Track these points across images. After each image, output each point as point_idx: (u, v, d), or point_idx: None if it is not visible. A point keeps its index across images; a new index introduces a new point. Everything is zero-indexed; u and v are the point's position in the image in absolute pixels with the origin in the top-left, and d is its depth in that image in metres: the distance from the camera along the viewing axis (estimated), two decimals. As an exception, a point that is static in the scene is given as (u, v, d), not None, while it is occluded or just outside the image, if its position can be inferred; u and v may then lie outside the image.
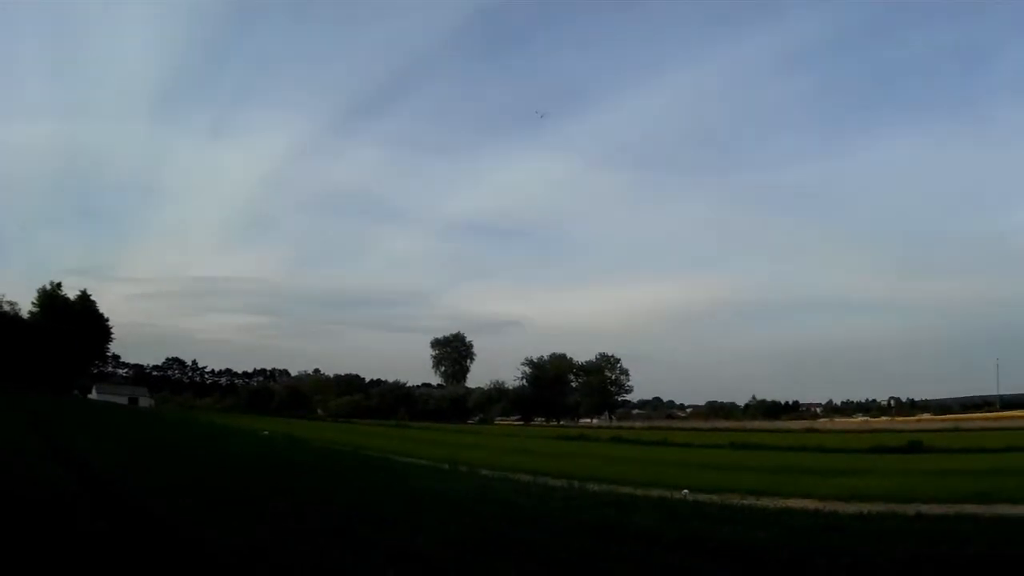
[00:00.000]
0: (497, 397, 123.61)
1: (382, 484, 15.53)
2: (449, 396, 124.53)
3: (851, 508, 13.37)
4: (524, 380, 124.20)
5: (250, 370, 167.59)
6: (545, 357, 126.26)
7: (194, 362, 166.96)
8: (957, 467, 23.26)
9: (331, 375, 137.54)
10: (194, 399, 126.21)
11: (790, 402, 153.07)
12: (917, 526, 10.49)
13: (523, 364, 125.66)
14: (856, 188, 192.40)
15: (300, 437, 38.15)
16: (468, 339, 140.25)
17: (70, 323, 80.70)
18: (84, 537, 7.41)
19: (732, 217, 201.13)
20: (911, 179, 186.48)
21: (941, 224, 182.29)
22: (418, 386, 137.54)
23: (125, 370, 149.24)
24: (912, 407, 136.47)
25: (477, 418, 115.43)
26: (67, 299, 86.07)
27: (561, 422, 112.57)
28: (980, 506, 13.30)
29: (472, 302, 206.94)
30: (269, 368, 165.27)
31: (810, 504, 14.44)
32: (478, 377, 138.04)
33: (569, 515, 11.00)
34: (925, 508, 12.96)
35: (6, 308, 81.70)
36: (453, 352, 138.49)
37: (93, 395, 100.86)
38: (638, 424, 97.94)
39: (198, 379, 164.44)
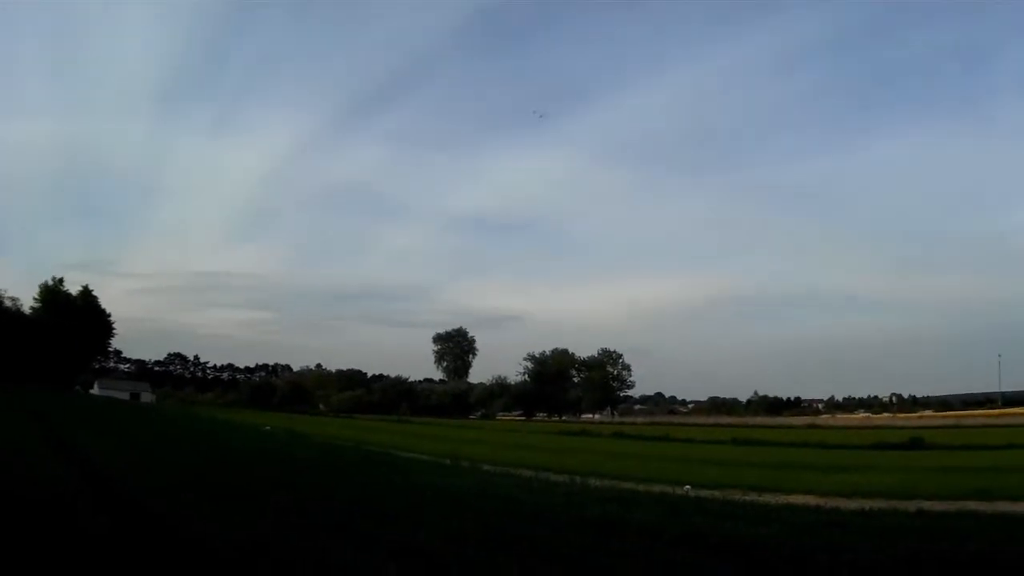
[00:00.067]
0: (499, 392, 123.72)
1: (384, 479, 15.54)
2: (451, 391, 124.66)
3: (853, 504, 13.39)
4: (526, 375, 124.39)
5: (252, 365, 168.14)
6: (547, 352, 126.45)
7: (196, 357, 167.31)
8: (958, 464, 23.27)
9: (333, 370, 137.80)
10: (196, 394, 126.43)
11: (792, 398, 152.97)
12: (918, 523, 10.49)
13: (525, 359, 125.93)
14: (857, 186, 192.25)
15: (302, 432, 38.20)
16: (470, 334, 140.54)
17: (72, 318, 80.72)
18: (86, 533, 7.42)
19: (734, 214, 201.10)
20: (912, 178, 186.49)
21: (942, 223, 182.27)
22: (420, 381, 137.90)
23: (127, 365, 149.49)
24: (914, 404, 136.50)
25: (479, 413, 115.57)
26: (69, 294, 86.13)
27: (563, 417, 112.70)
28: (981, 503, 13.31)
29: (474, 297, 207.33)
30: (271, 363, 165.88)
31: (812, 500, 14.44)
32: (480, 372, 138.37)
33: (571, 511, 11.00)
34: (926, 505, 12.96)
35: (8, 303, 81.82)
36: (455, 347, 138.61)
37: (95, 390, 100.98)
38: (640, 420, 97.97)
39: (200, 374, 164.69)
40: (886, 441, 34.00)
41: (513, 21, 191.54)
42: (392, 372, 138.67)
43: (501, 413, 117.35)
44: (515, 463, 22.76)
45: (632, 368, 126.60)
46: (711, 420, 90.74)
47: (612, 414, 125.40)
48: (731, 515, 10.98)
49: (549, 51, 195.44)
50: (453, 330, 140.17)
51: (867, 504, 13.29)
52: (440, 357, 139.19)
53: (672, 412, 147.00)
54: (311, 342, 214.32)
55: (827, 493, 15.73)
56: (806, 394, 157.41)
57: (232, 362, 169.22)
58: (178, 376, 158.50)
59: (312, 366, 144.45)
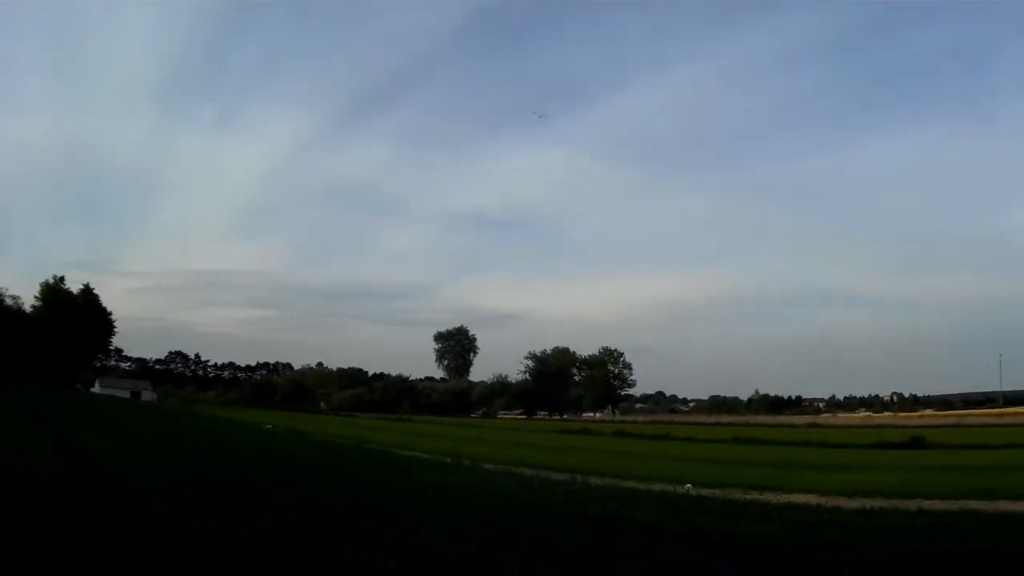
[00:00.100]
0: (500, 391, 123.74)
1: (385, 478, 15.55)
2: (452, 390, 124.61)
3: (854, 503, 13.38)
4: (527, 374, 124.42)
5: (253, 364, 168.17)
6: (548, 351, 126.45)
7: (197, 356, 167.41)
8: (959, 463, 23.25)
9: (334, 369, 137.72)
10: (197, 393, 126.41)
11: (793, 397, 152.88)
12: (919, 522, 10.48)
13: (526, 358, 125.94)
14: (858, 186, 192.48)
15: (303, 431, 38.24)
16: (471, 333, 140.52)
17: (73, 317, 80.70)
18: (87, 532, 7.43)
19: (734, 213, 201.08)
20: (912, 178, 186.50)
21: (943, 222, 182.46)
22: (421, 380, 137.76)
23: (128, 364, 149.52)
24: (915, 403, 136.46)
25: (480, 412, 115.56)
26: (70, 293, 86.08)
27: (564, 416, 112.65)
28: (982, 502, 13.29)
29: (475, 296, 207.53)
30: (272, 362, 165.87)
31: (813, 499, 14.43)
32: (481, 371, 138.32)
33: (572, 509, 11.00)
34: (927, 504, 12.96)
35: (9, 302, 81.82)
36: (456, 346, 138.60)
37: (96, 389, 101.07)
38: (641, 418, 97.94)
39: (201, 373, 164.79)
40: (887, 440, 33.97)
41: (513, 21, 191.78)
42: (393, 371, 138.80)
43: (502, 411, 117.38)
44: (516, 461, 22.77)
45: (633, 367, 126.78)
46: (712, 419, 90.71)
47: (613, 412, 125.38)
48: (732, 514, 10.98)
49: (549, 50, 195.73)
50: (454, 328, 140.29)
51: (868, 503, 13.29)
52: (441, 356, 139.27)
53: (673, 411, 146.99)
54: (312, 340, 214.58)
55: (828, 492, 15.72)
56: (807, 393, 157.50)
57: (233, 360, 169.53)
58: (179, 374, 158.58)
59: (313, 364, 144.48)
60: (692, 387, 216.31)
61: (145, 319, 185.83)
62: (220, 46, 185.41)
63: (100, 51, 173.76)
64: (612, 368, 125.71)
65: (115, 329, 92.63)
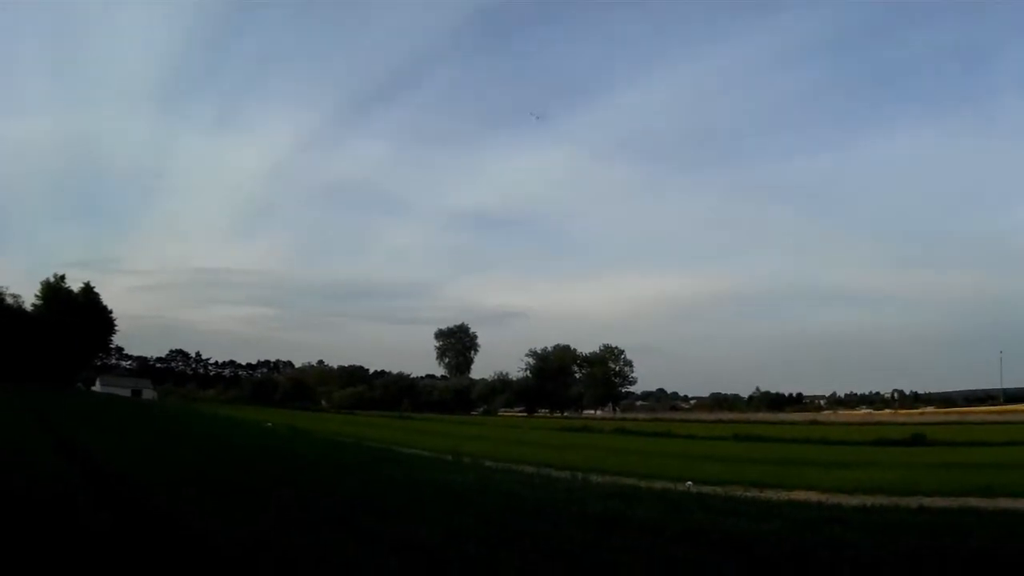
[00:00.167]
0: (501, 388, 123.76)
1: (385, 475, 15.55)
2: (453, 387, 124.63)
3: (854, 501, 13.37)
4: (528, 371, 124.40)
5: (254, 362, 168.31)
6: (549, 348, 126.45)
7: (198, 354, 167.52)
8: (960, 460, 23.23)
9: (335, 367, 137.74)
10: (198, 391, 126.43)
11: (794, 394, 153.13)
12: (920, 519, 10.47)
13: (527, 355, 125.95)
14: (859, 185, 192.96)
15: (304, 429, 38.25)
16: (472, 330, 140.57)
17: (73, 316, 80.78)
18: (88, 530, 7.43)
19: (735, 212, 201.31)
20: (913, 177, 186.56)
21: (943, 221, 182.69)
22: (422, 377, 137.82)
23: (129, 362, 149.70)
24: (915, 400, 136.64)
25: (481, 409, 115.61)
26: (71, 291, 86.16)
27: (565, 413, 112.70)
28: (983, 500, 13.28)
29: (476, 294, 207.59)
30: (273, 360, 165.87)
31: (813, 496, 14.43)
32: (482, 368, 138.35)
33: (572, 506, 11.00)
34: (928, 501, 12.94)
35: (9, 301, 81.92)
36: (457, 343, 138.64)
37: (97, 387, 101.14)
38: (642, 416, 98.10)
39: (202, 371, 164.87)
40: (888, 437, 33.97)
41: (513, 20, 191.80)
42: (394, 368, 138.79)
43: (503, 409, 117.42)
44: (517, 459, 22.76)
45: (634, 364, 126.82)
46: (713, 416, 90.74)
47: (614, 410, 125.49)
48: (733, 511, 10.97)
49: (550, 49, 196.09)
50: (455, 326, 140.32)
51: (869, 500, 13.27)
52: (442, 353, 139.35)
53: (674, 408, 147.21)
54: (313, 338, 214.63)
55: (829, 489, 15.70)
56: (808, 390, 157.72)
57: (234, 358, 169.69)
58: (180, 373, 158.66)
59: (314, 362, 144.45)
60: (693, 384, 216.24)
61: (146, 317, 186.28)
62: (220, 45, 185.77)
63: (100, 50, 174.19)
64: (613, 366, 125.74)
65: (116, 327, 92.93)
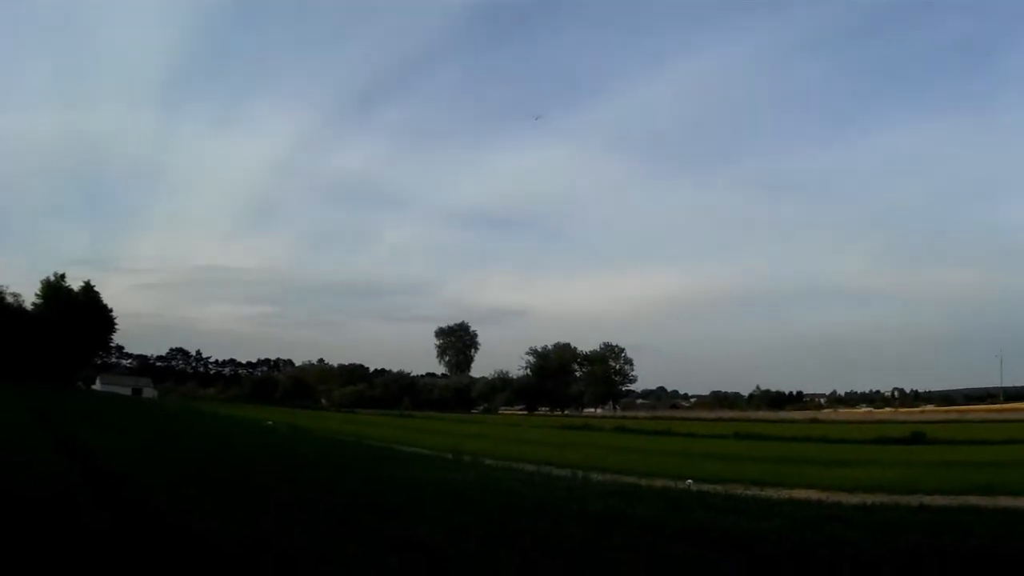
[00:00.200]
0: (501, 387, 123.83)
1: (386, 474, 15.55)
2: (453, 386, 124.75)
3: (854, 499, 13.37)
4: (528, 370, 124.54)
5: (254, 360, 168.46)
6: (549, 346, 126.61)
7: (198, 352, 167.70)
8: (960, 459, 23.25)
9: (335, 365, 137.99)
10: (198, 389, 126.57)
11: (794, 392, 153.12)
12: (920, 517, 10.46)
13: (527, 354, 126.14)
14: (861, 182, 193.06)
15: (304, 427, 38.28)
16: (472, 329, 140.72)
17: (74, 314, 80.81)
18: (87, 529, 7.43)
19: (736, 209, 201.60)
20: (915, 174, 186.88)
21: (945, 219, 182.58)
22: (422, 376, 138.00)
23: (129, 361, 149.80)
24: (916, 398, 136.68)
25: (481, 408, 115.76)
26: (71, 290, 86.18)
27: (565, 412, 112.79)
28: (983, 498, 13.27)
29: (476, 292, 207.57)
30: (273, 358, 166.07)
31: (813, 495, 14.43)
32: (482, 367, 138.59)
33: (572, 505, 10.99)
34: (928, 499, 12.94)
35: (9, 300, 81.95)
36: (457, 342, 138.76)
37: (97, 386, 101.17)
38: (642, 414, 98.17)
39: (202, 369, 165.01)
40: (888, 436, 34.02)
41: (513, 18, 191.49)
42: (394, 367, 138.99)
43: (503, 407, 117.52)
44: (517, 457, 22.75)
45: (634, 362, 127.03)
46: (713, 414, 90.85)
47: (614, 408, 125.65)
48: (733, 509, 10.97)
49: (550, 47, 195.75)
50: (455, 324, 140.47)
51: (869, 499, 13.28)
52: (442, 352, 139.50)
53: (674, 406, 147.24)
54: (313, 337, 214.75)
55: (829, 487, 15.71)
56: (808, 389, 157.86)
57: (234, 357, 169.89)
58: (180, 371, 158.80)
59: (314, 361, 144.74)
60: (693, 383, 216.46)
61: (146, 316, 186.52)
62: (222, 43, 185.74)
63: (102, 48, 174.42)
64: (613, 364, 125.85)
65: (116, 326, 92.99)
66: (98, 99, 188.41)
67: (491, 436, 39.29)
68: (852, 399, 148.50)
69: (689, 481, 16.66)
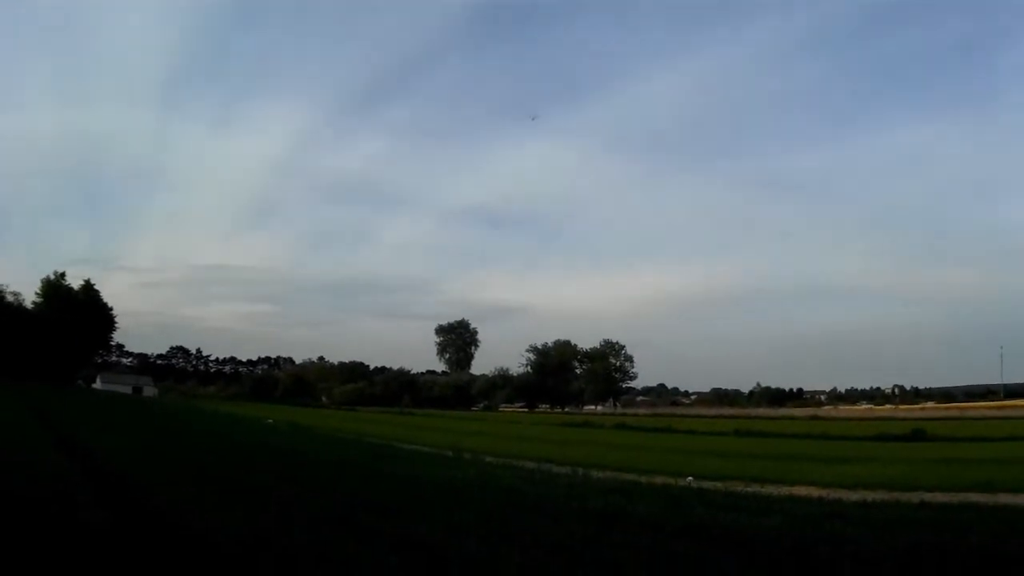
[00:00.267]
0: (501, 384, 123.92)
1: (386, 472, 15.54)
2: (453, 383, 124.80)
3: (855, 496, 13.36)
4: (528, 367, 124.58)
5: (254, 358, 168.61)
6: (549, 344, 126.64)
7: (198, 350, 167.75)
8: (960, 456, 23.25)
9: (335, 363, 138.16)
10: (198, 387, 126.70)
11: (794, 389, 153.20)
12: (920, 514, 10.46)
13: (527, 351, 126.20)
14: (862, 180, 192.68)
15: (304, 425, 38.30)
16: (472, 326, 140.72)
17: (74, 313, 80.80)
18: (87, 528, 7.42)
19: (737, 206, 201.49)
20: (916, 172, 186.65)
21: (945, 217, 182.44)
22: (422, 373, 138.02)
23: (129, 359, 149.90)
24: (916, 395, 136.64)
25: (481, 405, 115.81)
26: (71, 289, 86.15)
27: (565, 409, 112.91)
28: (983, 495, 13.26)
29: (476, 289, 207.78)
30: (273, 356, 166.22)
31: (814, 492, 14.45)
32: (482, 364, 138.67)
33: (573, 502, 10.98)
34: (928, 496, 12.94)
35: (10, 298, 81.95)
36: (457, 339, 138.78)
37: (97, 385, 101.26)
38: (642, 411, 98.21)
39: (202, 367, 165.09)
40: (888, 433, 34.05)
41: (513, 16, 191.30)
42: (394, 364, 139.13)
43: (503, 405, 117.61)
44: (517, 455, 22.76)
45: (635, 359, 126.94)
46: (714, 411, 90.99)
47: (615, 405, 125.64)
48: (733, 506, 10.97)
49: (550, 45, 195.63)
50: (455, 322, 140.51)
51: (869, 496, 13.28)
52: (442, 349, 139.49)
53: (675, 403, 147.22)
54: (313, 335, 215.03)
55: (829, 484, 15.72)
56: (809, 386, 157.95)
57: (234, 355, 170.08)
58: (180, 369, 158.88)
59: (314, 359, 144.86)
60: (693, 380, 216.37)
61: (146, 314, 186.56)
62: (222, 42, 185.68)
63: (102, 47, 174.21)
64: (613, 361, 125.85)
65: (116, 325, 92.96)
66: (98, 99, 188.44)
67: (491, 433, 39.31)
68: (852, 396, 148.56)
69: (689, 478, 16.67)
